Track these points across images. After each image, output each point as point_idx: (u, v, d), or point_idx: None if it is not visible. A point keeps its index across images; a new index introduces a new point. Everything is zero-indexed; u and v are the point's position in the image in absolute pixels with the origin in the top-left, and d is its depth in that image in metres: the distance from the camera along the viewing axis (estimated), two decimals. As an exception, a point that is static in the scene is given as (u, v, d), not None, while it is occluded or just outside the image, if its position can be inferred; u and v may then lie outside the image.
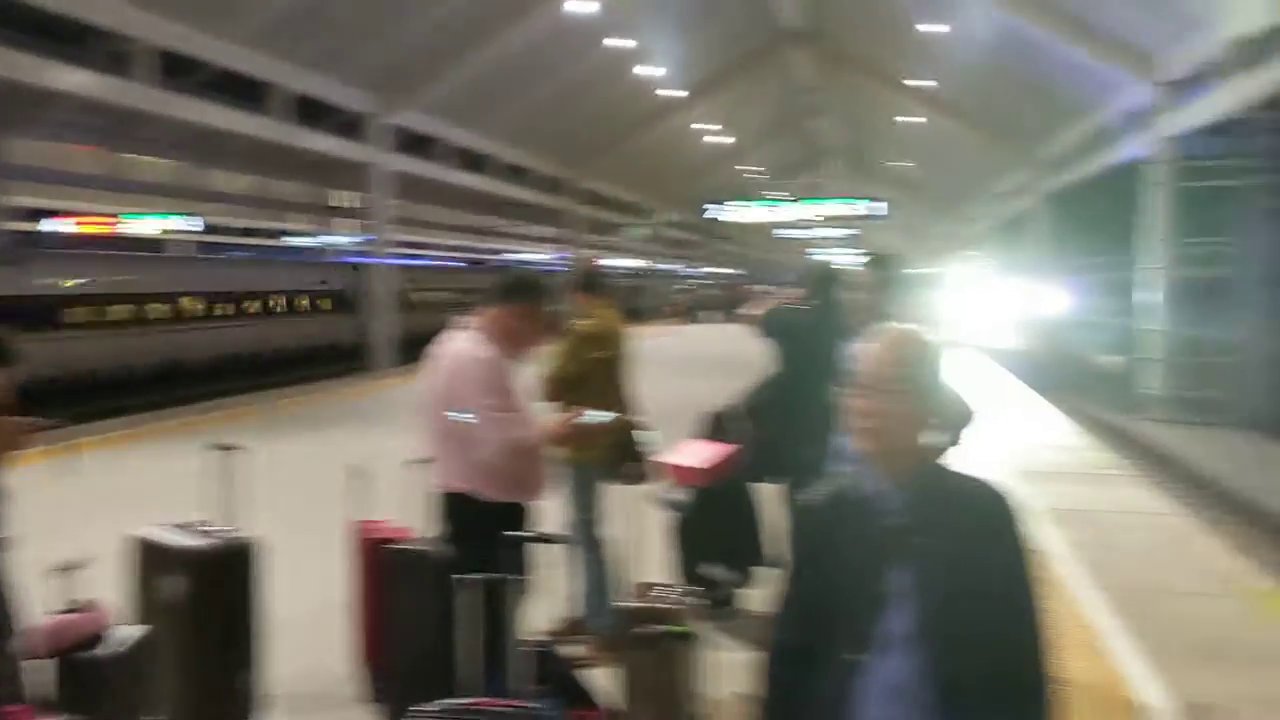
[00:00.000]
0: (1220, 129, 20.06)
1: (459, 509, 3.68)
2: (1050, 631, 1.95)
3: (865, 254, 4.55)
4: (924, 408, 1.95)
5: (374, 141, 21.01)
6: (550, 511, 4.77)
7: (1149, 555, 6.94)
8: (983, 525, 1.94)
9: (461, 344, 3.74)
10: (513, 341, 3.76)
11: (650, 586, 4.08)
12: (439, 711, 2.77)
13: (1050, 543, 7.16)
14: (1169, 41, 17.87)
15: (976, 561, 1.90)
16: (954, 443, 3.90)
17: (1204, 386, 22.10)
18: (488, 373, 3.62)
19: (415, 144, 23.86)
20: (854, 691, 1.89)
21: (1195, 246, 21.29)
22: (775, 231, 35.20)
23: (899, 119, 34.07)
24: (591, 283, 5.20)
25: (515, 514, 3.71)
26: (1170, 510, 8.47)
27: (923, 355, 1.98)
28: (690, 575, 5.35)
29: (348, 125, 20.81)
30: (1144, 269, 20.78)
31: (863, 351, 1.98)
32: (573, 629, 5.06)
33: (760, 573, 5.41)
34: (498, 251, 62.44)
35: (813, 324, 4.74)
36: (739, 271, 68.28)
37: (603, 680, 3.88)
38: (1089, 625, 5.48)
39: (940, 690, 1.85)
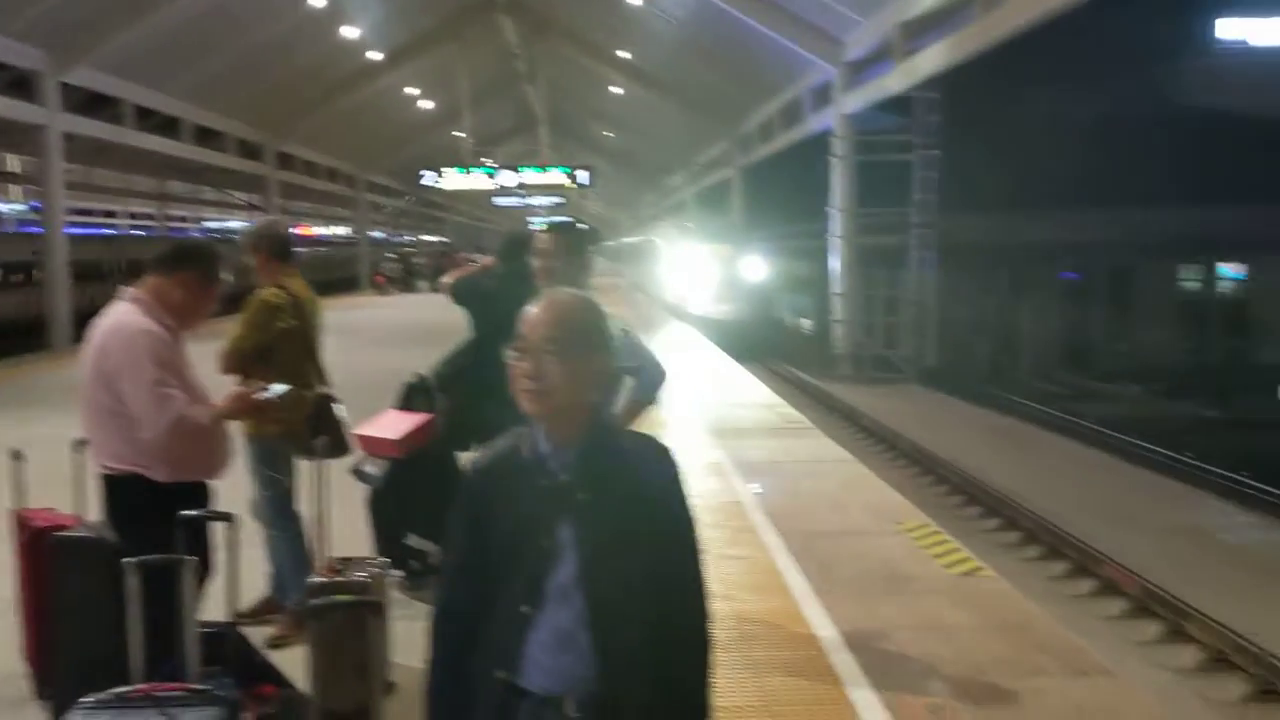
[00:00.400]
0: (893, 106, 21.79)
1: (127, 491, 3.50)
2: (709, 577, 2.09)
3: (548, 221, 4.59)
4: (588, 370, 2.01)
5: (46, 101, 19.19)
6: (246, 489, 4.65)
7: (826, 500, 7.53)
8: (646, 481, 2.03)
9: (120, 316, 3.53)
10: (177, 313, 3.59)
11: (344, 561, 4.05)
12: (102, 702, 2.65)
13: (739, 493, 7.63)
14: (851, 24, 19.13)
15: (637, 515, 1.99)
16: (650, 401, 4.11)
17: (884, 346, 24.10)
18: (148, 346, 3.43)
19: (96, 105, 22.03)
20: (526, 643, 1.96)
21: (873, 216, 23.09)
22: (495, 200, 34.97)
23: (610, 89, 34.77)
24: (276, 249, 4.96)
25: (192, 493, 3.57)
26: (847, 458, 9.18)
27: (585, 318, 2.05)
28: (388, 547, 5.31)
29: (16, 83, 18.90)
30: (830, 237, 22.26)
31: (526, 315, 2.04)
32: (267, 608, 4.93)
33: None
34: (199, 220, 58.87)
35: (499, 290, 4.80)
36: (447, 240, 67.48)
37: (295, 657, 3.81)
38: (770, 566, 5.89)
39: (597, 637, 1.96)
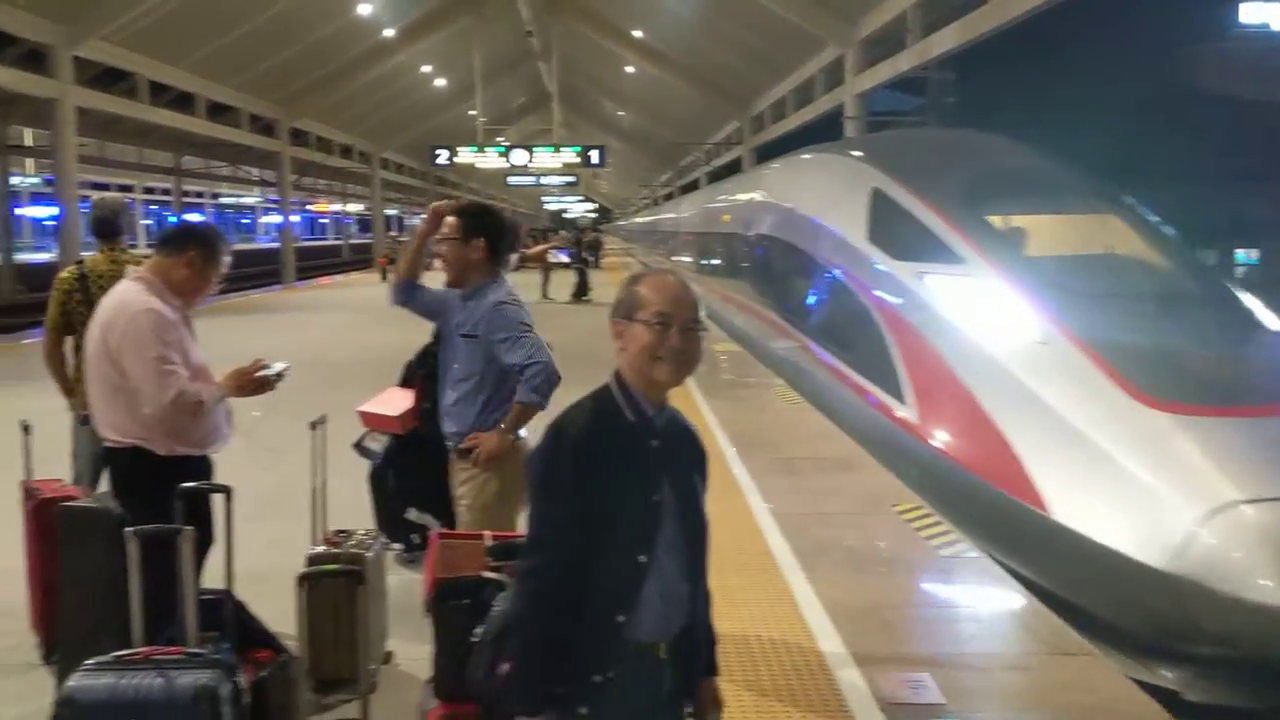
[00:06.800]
0: (907, 86, 21.67)
1: (129, 464, 3.62)
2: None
3: (461, 207, 4.43)
4: None
5: (59, 75, 19.25)
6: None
7: (822, 480, 7.58)
8: (696, 451, 2.34)
9: (126, 294, 3.64)
10: (181, 291, 3.70)
11: (342, 533, 4.15)
12: (104, 664, 2.76)
13: (734, 471, 7.69)
14: (864, 3, 19.04)
15: (699, 472, 2.33)
16: (541, 406, 4.12)
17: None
18: (152, 324, 3.54)
19: (109, 79, 22.16)
20: (641, 591, 2.15)
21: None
22: (509, 179, 34.91)
23: (623, 68, 34.69)
24: (96, 228, 5.04)
25: (193, 466, 3.68)
26: (845, 440, 9.17)
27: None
28: (390, 521, 5.42)
29: (29, 57, 18.99)
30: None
31: (664, 293, 2.21)
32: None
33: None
34: (216, 195, 59.01)
35: None
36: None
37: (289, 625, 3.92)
38: (762, 546, 5.97)
39: (696, 584, 2.25)
